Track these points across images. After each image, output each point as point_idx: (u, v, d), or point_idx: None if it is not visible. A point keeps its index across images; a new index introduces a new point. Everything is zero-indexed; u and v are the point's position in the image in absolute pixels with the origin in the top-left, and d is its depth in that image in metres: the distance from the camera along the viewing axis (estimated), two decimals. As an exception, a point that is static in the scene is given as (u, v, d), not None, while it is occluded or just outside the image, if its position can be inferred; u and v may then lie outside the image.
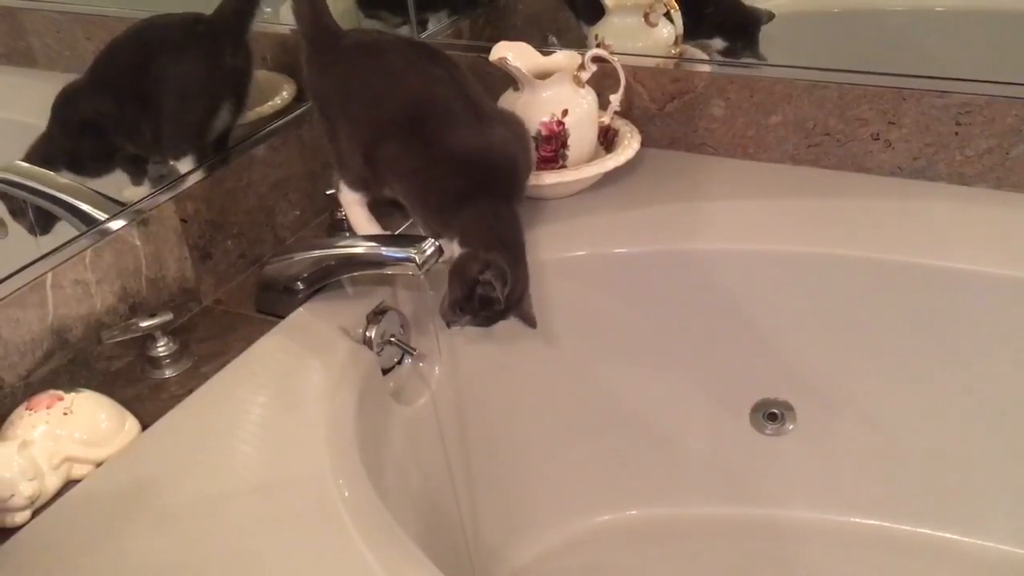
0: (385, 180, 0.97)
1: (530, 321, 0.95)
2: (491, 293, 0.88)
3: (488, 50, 1.08)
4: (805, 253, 1.05)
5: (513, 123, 1.01)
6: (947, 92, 1.08)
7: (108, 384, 0.88)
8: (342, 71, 0.97)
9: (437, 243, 0.90)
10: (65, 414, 0.78)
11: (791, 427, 1.14)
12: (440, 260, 0.90)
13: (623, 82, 1.15)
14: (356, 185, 1.00)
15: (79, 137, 0.95)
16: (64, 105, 0.92)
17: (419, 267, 0.89)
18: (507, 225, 0.93)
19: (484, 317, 0.91)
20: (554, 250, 1.05)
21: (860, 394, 1.10)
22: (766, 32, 1.29)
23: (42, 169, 0.91)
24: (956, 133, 1.09)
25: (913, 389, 1.08)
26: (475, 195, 0.92)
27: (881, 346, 1.07)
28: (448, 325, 0.93)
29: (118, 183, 0.97)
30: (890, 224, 1.07)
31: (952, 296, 1.02)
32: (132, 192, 0.98)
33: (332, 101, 0.98)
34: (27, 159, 0.89)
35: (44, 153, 0.91)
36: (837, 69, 1.15)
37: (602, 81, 1.15)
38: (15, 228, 0.89)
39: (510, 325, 0.94)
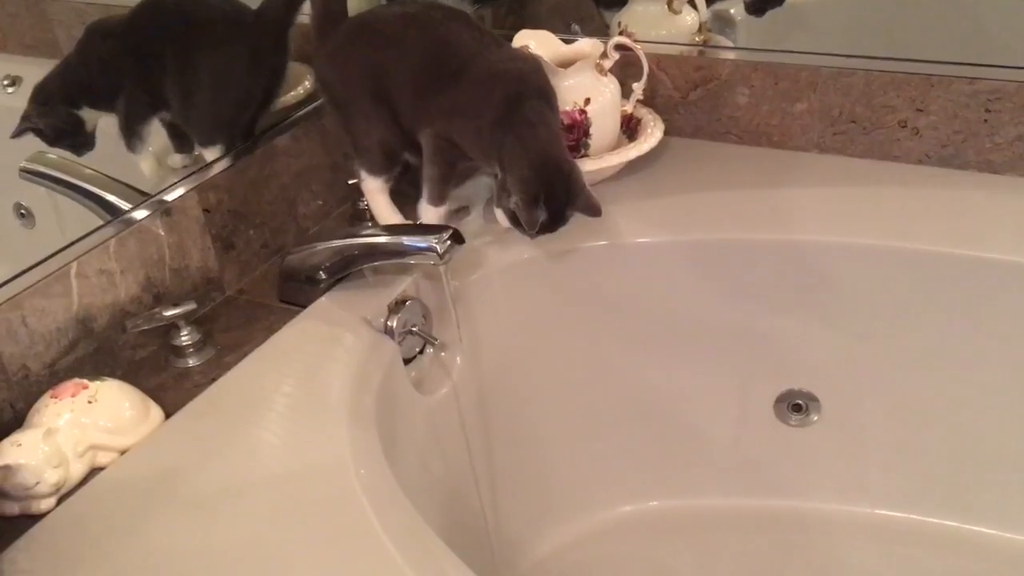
0: (421, 131, 0.98)
1: (592, 211, 0.96)
2: (529, 213, 0.92)
3: (510, 39, 1.08)
4: (831, 243, 1.04)
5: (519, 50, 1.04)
6: (976, 78, 1.06)
7: (132, 373, 0.89)
8: (344, 53, 0.99)
9: (458, 232, 0.91)
10: (90, 402, 0.79)
11: (816, 418, 1.13)
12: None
13: (646, 70, 1.14)
14: (376, 170, 1.01)
15: (99, 71, 0.94)
16: (94, 37, 0.92)
17: (440, 257, 0.89)
18: (545, 135, 0.94)
19: (544, 226, 0.95)
20: (575, 240, 1.05)
21: (886, 385, 1.09)
22: (792, 18, 1.27)
23: (67, 160, 0.91)
24: (985, 120, 1.08)
25: (940, 380, 1.07)
26: (512, 106, 0.93)
27: (907, 336, 1.06)
28: (532, 238, 0.97)
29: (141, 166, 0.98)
30: (918, 213, 1.05)
31: (980, 285, 1.00)
32: (174, 160, 1.00)
33: (340, 87, 1.00)
34: (44, 84, 0.90)
35: (63, 76, 0.91)
36: (863, 56, 1.13)
37: (625, 69, 1.14)
38: (41, 219, 0.90)
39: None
